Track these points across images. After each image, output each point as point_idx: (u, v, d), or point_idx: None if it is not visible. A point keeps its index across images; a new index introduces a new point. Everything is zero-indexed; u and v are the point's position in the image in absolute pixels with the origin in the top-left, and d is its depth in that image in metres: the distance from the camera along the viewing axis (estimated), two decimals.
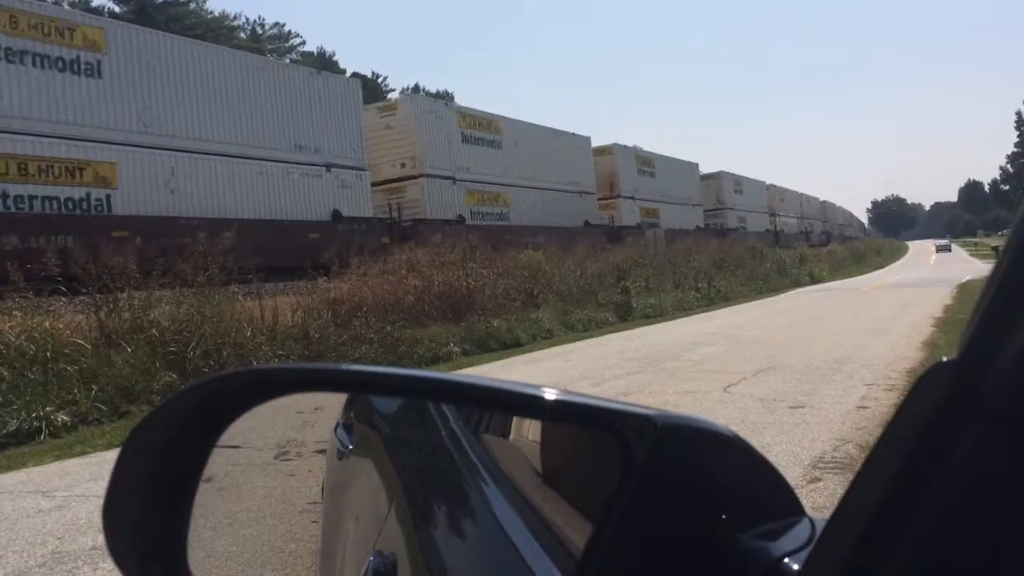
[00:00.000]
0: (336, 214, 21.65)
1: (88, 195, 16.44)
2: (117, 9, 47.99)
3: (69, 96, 16.27)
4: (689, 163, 45.16)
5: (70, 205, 16.12)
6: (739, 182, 52.25)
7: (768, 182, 58.59)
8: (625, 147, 39.08)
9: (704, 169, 47.26)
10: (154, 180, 17.51)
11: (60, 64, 16.25)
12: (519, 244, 23.28)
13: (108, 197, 16.73)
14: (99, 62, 16.88)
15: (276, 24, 59.48)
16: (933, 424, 0.42)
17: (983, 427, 0.41)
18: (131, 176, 17.06)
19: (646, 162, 40.00)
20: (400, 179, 25.24)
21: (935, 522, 0.42)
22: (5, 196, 15.02)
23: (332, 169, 21.99)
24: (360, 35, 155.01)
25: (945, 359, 0.42)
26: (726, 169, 50.32)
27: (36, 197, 15.56)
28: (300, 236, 19.53)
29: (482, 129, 28.44)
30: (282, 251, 17.87)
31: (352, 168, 22.68)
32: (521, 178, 29.65)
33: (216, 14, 52.99)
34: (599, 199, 34.81)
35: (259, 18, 65.47)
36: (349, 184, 22.42)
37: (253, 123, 19.99)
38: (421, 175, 25.26)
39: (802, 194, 70.48)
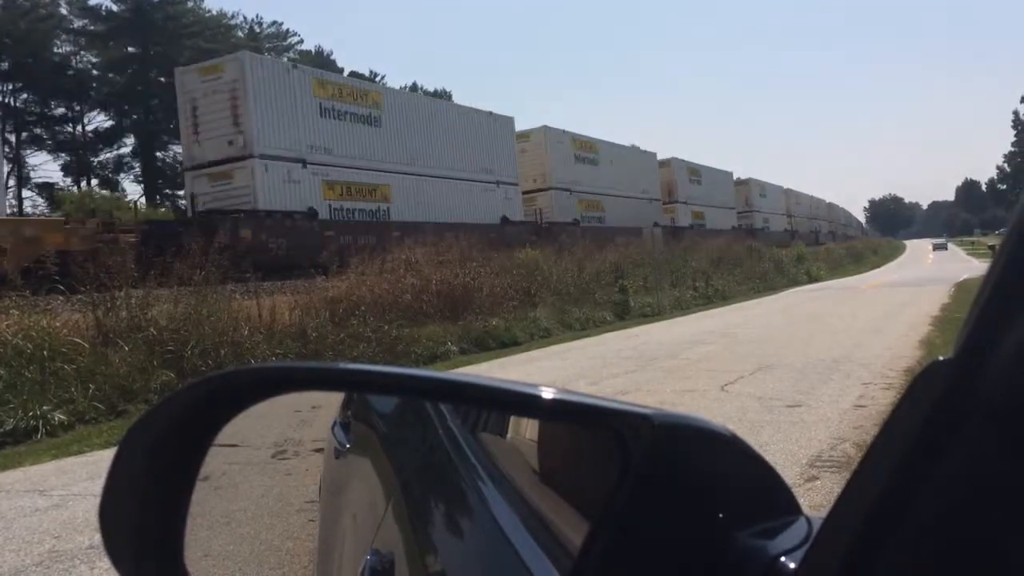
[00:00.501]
0: (504, 219, 29.31)
1: (379, 208, 24.69)
2: (115, 8, 47.92)
3: (364, 140, 24.54)
4: (725, 172, 52.24)
5: (369, 215, 24.24)
6: (763, 187, 59.48)
7: (785, 186, 66.26)
8: (681, 160, 45.65)
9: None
10: (411, 197, 25.54)
11: (358, 118, 24.49)
12: (614, 241, 27.76)
13: (388, 209, 24.84)
14: (379, 116, 25.27)
15: (274, 23, 59.44)
16: (929, 422, 0.42)
17: (979, 425, 0.41)
18: (400, 194, 25.24)
19: (695, 172, 47.17)
20: (535, 191, 32.41)
21: (931, 520, 0.42)
22: (341, 209, 23.29)
23: (500, 185, 29.79)
24: (358, 33, 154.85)
25: (942, 358, 0.42)
26: (717, 168, 52.17)
27: (352, 209, 23.73)
28: (481, 233, 23.47)
29: (588, 150, 35.65)
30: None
31: (510, 184, 30.50)
32: (613, 189, 36.18)
33: (214, 13, 52.91)
34: (663, 204, 41.68)
35: (257, 17, 65.31)
36: (511, 196, 30.32)
37: (455, 152, 27.74)
38: (549, 188, 32.77)
39: (812, 197, 77.53)
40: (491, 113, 30.61)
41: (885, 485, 0.43)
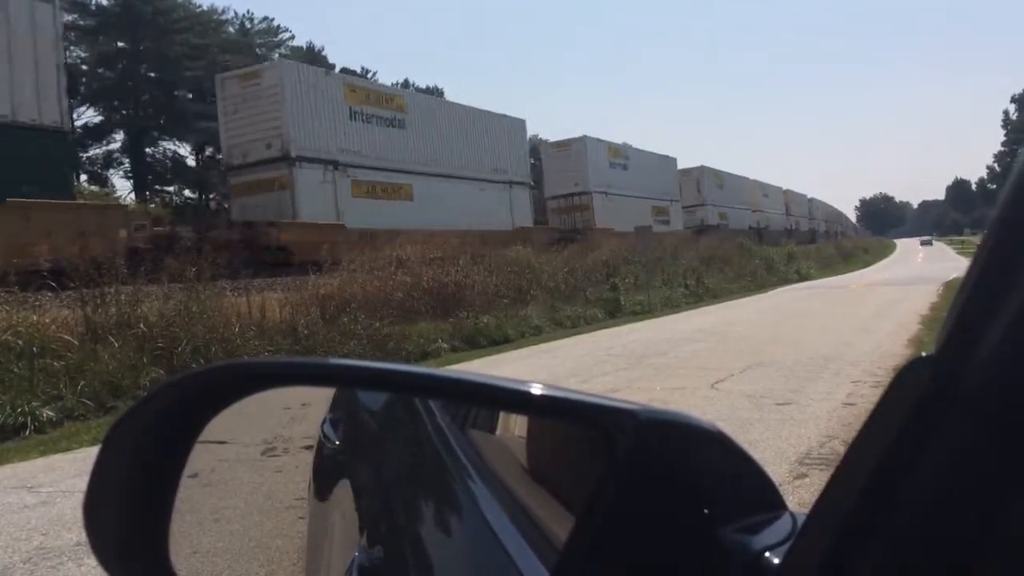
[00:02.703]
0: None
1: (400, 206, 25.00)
2: (104, 3, 47.62)
3: (390, 142, 25.25)
4: (742, 176, 55.65)
5: (395, 218, 24.01)
6: (765, 188, 62.21)
7: (784, 187, 69.25)
8: (704, 167, 49.22)
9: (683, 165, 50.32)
10: (432, 197, 25.88)
11: (384, 121, 25.33)
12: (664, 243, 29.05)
13: (410, 208, 25.17)
14: (403, 119, 26.00)
15: (265, 18, 59.13)
16: (911, 419, 0.42)
17: (961, 422, 0.41)
18: (420, 193, 25.75)
19: (717, 176, 50.83)
20: (572, 195, 35.04)
21: (913, 517, 0.42)
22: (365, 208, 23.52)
23: (513, 185, 30.49)
24: (349, 30, 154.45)
25: (924, 355, 0.43)
26: (711, 167, 52.96)
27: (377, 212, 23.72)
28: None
29: (618, 157, 38.13)
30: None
31: (521, 184, 31.25)
32: (641, 192, 38.63)
33: (204, 8, 52.65)
34: (684, 207, 44.69)
35: (248, 12, 65.08)
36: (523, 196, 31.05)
37: (473, 153, 28.77)
38: (588, 192, 35.08)
39: (811, 199, 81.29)
40: (505, 115, 31.99)
41: (867, 481, 0.44)
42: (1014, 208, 0.40)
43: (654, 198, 39.95)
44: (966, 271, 0.42)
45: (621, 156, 37.96)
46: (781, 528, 0.56)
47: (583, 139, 35.33)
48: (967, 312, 0.41)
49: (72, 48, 48.96)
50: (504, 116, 31.59)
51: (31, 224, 14.20)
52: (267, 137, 21.94)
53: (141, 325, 9.70)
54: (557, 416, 0.71)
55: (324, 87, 23.60)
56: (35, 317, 9.20)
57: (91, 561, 0.74)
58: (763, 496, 0.59)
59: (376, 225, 22.27)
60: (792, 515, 0.58)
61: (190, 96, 46.79)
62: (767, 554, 0.53)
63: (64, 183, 16.89)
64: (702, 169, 49.31)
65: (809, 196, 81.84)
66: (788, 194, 69.23)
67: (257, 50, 51.62)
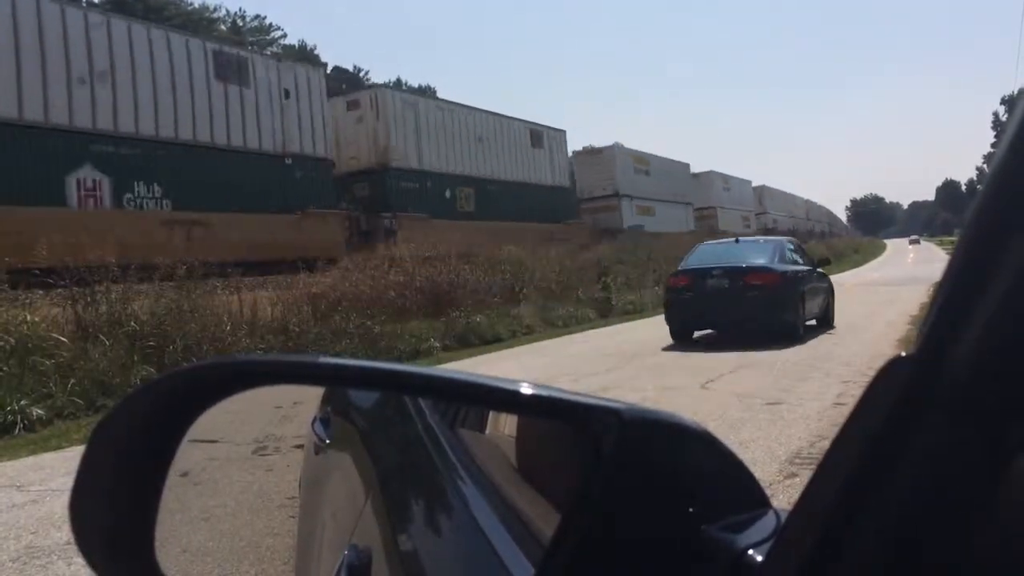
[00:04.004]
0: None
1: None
2: (95, 0, 47.34)
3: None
4: (744, 179, 58.43)
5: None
6: (772, 193, 67.01)
7: (786, 190, 73.92)
8: (716, 172, 51.70)
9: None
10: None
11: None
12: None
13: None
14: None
15: (257, 16, 59.01)
16: (892, 417, 0.43)
17: (941, 420, 0.41)
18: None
19: (726, 180, 53.40)
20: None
21: (894, 514, 0.42)
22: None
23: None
24: (341, 28, 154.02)
25: (904, 353, 0.43)
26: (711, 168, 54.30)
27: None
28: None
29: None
30: None
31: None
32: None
33: (196, 5, 52.48)
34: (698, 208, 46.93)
35: (240, 10, 64.74)
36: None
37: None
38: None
39: (808, 201, 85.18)
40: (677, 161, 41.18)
41: (848, 479, 0.44)
42: (990, 207, 0.41)
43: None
44: (944, 269, 0.43)
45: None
46: (765, 526, 0.56)
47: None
48: (946, 310, 0.42)
49: None
50: (676, 161, 42.56)
51: None
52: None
53: (132, 323, 9.67)
54: (543, 415, 0.71)
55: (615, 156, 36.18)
56: (28, 315, 9.15)
57: (81, 560, 0.74)
58: (748, 494, 0.60)
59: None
60: (776, 513, 0.58)
61: None
62: (751, 551, 0.53)
63: None
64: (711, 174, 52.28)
65: (804, 197, 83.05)
66: (792, 198, 74.30)
67: (249, 48, 51.36)
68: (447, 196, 27.26)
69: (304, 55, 53.81)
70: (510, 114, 31.96)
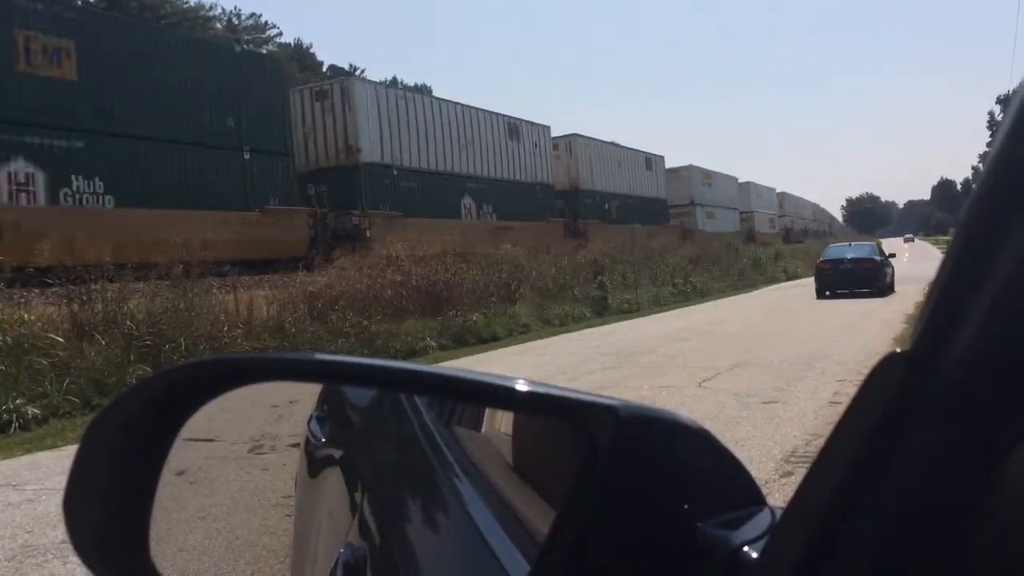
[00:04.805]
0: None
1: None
2: None
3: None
4: (769, 187, 65.63)
5: None
6: (790, 198, 74.89)
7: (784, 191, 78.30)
8: (753, 183, 60.18)
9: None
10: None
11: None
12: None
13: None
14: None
15: (252, 15, 58.89)
16: (887, 414, 0.43)
17: (935, 417, 0.41)
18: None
19: (758, 189, 61.19)
20: (682, 205, 45.49)
21: (888, 511, 0.42)
22: None
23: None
24: (337, 27, 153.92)
25: (898, 350, 0.43)
26: (703, 165, 55.72)
27: None
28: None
29: (707, 179, 49.24)
30: None
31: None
32: (720, 204, 50.42)
33: (192, 4, 52.33)
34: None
35: (235, 9, 64.74)
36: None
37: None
38: (692, 203, 45.99)
39: (815, 205, 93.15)
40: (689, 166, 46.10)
41: (843, 475, 0.44)
42: (984, 204, 0.41)
43: (725, 207, 51.80)
44: (938, 267, 0.43)
45: (708, 177, 50.09)
46: (760, 523, 0.56)
47: (689, 167, 48.06)
48: (940, 307, 0.42)
49: None
50: (690, 167, 47.96)
51: None
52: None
53: (128, 322, 9.64)
54: (539, 411, 0.71)
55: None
56: (26, 314, 9.12)
57: (76, 559, 0.74)
58: (743, 491, 0.60)
59: None
60: (771, 510, 0.58)
61: None
62: (745, 548, 0.54)
63: None
64: (750, 184, 59.78)
65: (780, 190, 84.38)
66: (791, 198, 78.05)
67: (245, 46, 51.19)
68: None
69: (300, 54, 53.73)
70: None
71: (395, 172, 24.83)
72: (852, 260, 21.99)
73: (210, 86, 19.28)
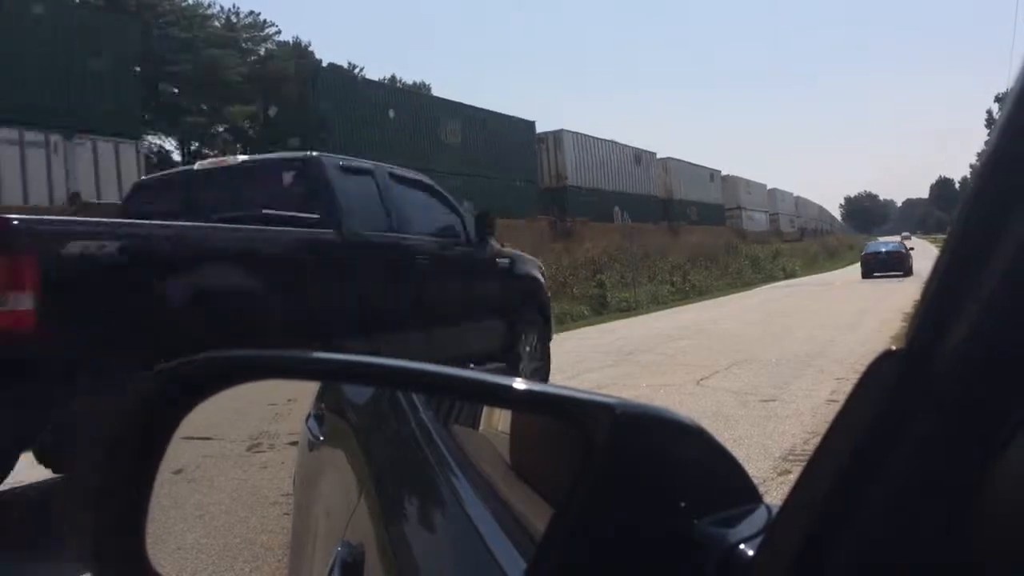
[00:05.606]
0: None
1: None
2: None
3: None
4: (786, 191, 72.49)
5: None
6: (803, 201, 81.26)
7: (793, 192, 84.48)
8: (778, 189, 68.38)
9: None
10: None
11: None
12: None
13: None
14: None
15: (251, 13, 58.73)
16: (883, 411, 0.43)
17: (931, 414, 0.41)
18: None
19: (781, 193, 68.73)
20: (733, 208, 52.47)
21: (884, 509, 0.42)
22: None
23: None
24: (336, 25, 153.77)
25: (894, 347, 0.43)
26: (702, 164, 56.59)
27: None
28: None
29: (749, 188, 57.46)
30: None
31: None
32: (759, 208, 59.64)
33: (190, 2, 52.21)
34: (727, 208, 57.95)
35: (234, 6, 64.47)
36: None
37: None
38: (740, 208, 53.02)
39: (821, 207, 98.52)
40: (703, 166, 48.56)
41: (839, 473, 0.44)
42: (980, 200, 0.41)
43: (760, 210, 58.99)
44: (934, 262, 0.43)
45: (749, 185, 57.10)
46: (756, 520, 0.56)
47: (736, 177, 54.74)
48: (936, 303, 0.42)
49: None
50: (702, 166, 49.65)
51: None
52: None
53: None
54: (534, 409, 0.71)
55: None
56: None
57: None
58: (739, 489, 0.60)
59: None
60: (768, 508, 0.58)
61: (175, 91, 46.37)
62: (742, 546, 0.54)
63: None
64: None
65: (795, 194, 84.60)
66: (791, 197, 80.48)
67: (243, 45, 51.28)
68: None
69: (299, 52, 53.69)
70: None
71: None
72: (886, 252, 33.09)
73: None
